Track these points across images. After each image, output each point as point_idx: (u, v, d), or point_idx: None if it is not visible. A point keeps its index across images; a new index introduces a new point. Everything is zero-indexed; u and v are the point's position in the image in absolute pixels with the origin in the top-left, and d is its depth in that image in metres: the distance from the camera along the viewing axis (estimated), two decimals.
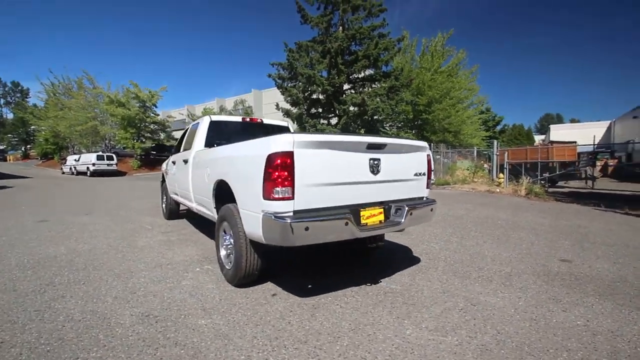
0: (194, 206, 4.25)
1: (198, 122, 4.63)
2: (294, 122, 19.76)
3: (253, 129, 4.95)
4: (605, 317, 2.47)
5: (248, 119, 4.78)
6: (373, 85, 19.30)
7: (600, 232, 5.40)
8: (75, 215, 6.76)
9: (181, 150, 5.13)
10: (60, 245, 4.40)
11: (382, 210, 2.73)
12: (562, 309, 2.62)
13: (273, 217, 2.19)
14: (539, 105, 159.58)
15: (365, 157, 2.57)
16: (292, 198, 2.21)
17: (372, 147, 2.58)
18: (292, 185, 2.20)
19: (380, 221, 2.71)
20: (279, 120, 5.14)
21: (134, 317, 2.40)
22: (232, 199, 2.94)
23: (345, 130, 18.43)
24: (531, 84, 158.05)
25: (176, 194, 5.35)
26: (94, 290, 2.91)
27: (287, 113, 19.60)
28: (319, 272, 3.41)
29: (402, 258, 3.91)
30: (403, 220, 2.74)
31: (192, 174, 4.17)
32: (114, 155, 23.71)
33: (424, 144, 3.11)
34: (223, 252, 3.20)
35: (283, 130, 5.11)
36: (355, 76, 19.65)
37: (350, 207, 2.53)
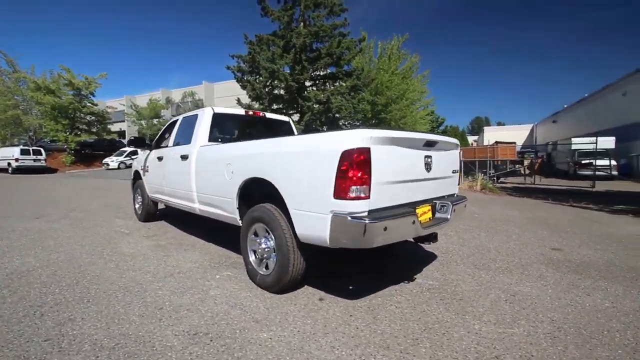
0: (197, 207, 3.83)
1: (195, 114, 4.19)
2: None
3: (257, 123, 4.64)
4: (624, 299, 2.77)
5: (251, 113, 4.45)
6: (335, 84, 19.49)
7: (564, 222, 6.11)
8: (22, 220, 5.68)
9: (170, 144, 4.59)
10: (27, 257, 3.65)
11: (430, 207, 2.73)
12: (585, 293, 2.88)
13: (349, 218, 2.04)
14: (471, 108, 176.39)
15: (422, 155, 2.54)
16: (368, 197, 2.09)
17: (428, 144, 2.56)
18: (369, 184, 2.08)
19: (430, 218, 2.71)
20: (281, 116, 4.87)
21: (182, 337, 2.07)
22: (271, 198, 2.71)
23: (308, 127, 18.36)
24: (464, 89, 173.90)
25: (161, 194, 4.78)
26: (107, 308, 2.46)
27: (248, 108, 18.86)
28: (349, 272, 3.31)
29: (417, 255, 3.99)
30: (449, 216, 2.77)
31: (196, 172, 3.75)
32: (42, 150, 20.58)
33: (457, 141, 3.19)
34: (253, 257, 2.93)
35: (286, 125, 4.87)
36: (317, 73, 19.67)
37: (408, 205, 2.48)
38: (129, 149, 25.90)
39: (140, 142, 5.16)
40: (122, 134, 41.63)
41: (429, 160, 2.62)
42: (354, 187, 2.04)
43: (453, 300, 2.68)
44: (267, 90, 18.57)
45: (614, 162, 16.17)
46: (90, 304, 2.52)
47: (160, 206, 5.54)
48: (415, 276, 3.21)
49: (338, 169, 2.07)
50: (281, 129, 4.80)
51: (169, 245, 4.20)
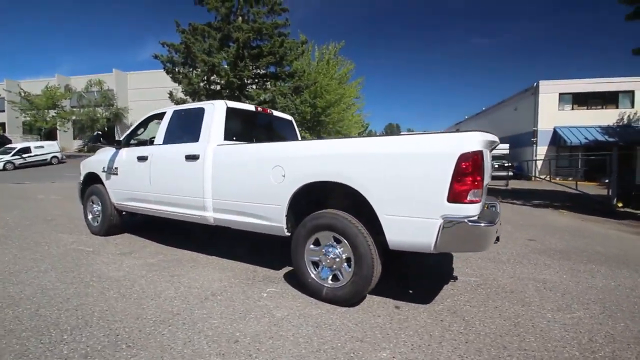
0: (211, 216, 3.29)
1: (199, 108, 3.59)
2: None
3: (266, 121, 4.23)
4: (620, 278, 3.36)
5: (260, 109, 4.02)
6: (277, 84, 19.11)
7: (516, 217, 7.13)
8: None
9: (159, 142, 3.85)
10: None
11: (487, 207, 2.87)
12: (589, 275, 3.40)
13: (468, 222, 2.00)
14: (384, 115, 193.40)
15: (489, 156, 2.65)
16: (480, 201, 2.08)
17: (492, 146, 2.68)
18: (482, 187, 2.07)
19: None
20: (284, 114, 4.52)
21: None
22: (335, 204, 2.52)
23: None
24: (376, 96, 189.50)
25: (141, 202, 3.97)
26: (166, 352, 1.91)
27: (183, 103, 17.10)
28: (388, 275, 3.26)
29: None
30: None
31: (213, 175, 3.22)
32: None
33: None
34: (313, 270, 2.65)
35: (290, 124, 4.55)
36: (258, 72, 19.00)
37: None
38: (18, 146, 20.98)
39: (109, 138, 4.20)
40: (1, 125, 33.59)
41: (492, 162, 2.75)
42: (471, 191, 2.01)
43: (508, 294, 2.87)
44: (204, 85, 17.15)
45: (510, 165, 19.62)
46: (136, 350, 1.93)
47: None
48: (454, 275, 3.34)
49: (455, 172, 2.01)
50: (287, 128, 4.47)
51: (164, 263, 3.51)
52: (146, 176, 3.82)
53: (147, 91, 32.97)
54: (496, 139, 2.50)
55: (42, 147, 22.44)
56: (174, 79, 17.46)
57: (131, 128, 4.34)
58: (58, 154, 23.05)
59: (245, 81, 17.69)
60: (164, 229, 4.96)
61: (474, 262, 3.73)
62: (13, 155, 20.03)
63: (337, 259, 2.52)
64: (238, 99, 17.57)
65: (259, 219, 2.95)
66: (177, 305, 2.51)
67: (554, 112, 20.63)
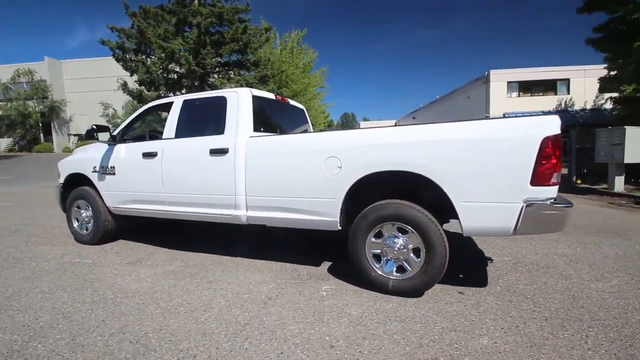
0: (244, 214, 3.03)
1: (220, 96, 3.25)
2: None
3: (285, 110, 3.98)
4: (622, 247, 3.74)
5: (280, 98, 3.75)
6: (241, 72, 18.25)
7: None
8: None
9: (169, 135, 3.43)
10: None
11: None
12: (597, 247, 3.74)
13: (552, 204, 2.05)
14: (339, 105, 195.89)
15: None
16: (558, 183, 2.13)
17: None
18: (560, 169, 2.13)
19: None
20: (296, 102, 4.28)
21: None
22: (391, 194, 2.48)
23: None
24: (339, 87, 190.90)
25: (151, 204, 3.54)
26: None
27: (138, 96, 15.63)
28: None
29: None
30: None
31: (248, 169, 2.95)
32: None
33: None
34: (375, 263, 2.56)
35: (303, 112, 4.34)
36: (220, 60, 17.96)
37: None
38: None
39: (103, 130, 3.64)
40: None
41: None
42: (554, 173, 2.06)
43: (545, 270, 3.04)
44: (161, 74, 15.81)
45: None
46: None
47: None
48: (486, 255, 3.47)
49: (539, 155, 2.03)
50: (302, 117, 4.26)
51: (188, 269, 3.19)
52: (156, 175, 3.40)
53: (87, 81, 29.67)
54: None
55: None
56: (126, 67, 15.85)
57: (126, 121, 3.81)
58: None
59: (209, 69, 16.62)
60: (156, 231, 4.52)
61: (493, 242, 3.91)
62: None
63: (404, 250, 2.46)
64: (201, 89, 16.51)
65: (306, 214, 2.77)
66: (239, 314, 2.28)
67: (503, 99, 22.42)
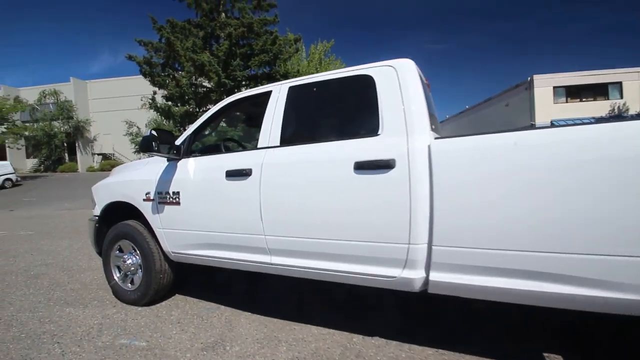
0: (422, 276, 1.69)
1: (357, 75, 1.99)
2: (176, 124, 15.25)
3: (431, 100, 2.69)
4: None
5: (427, 81, 2.48)
6: None
7: None
8: None
9: (279, 143, 2.16)
10: None
11: None
12: None
13: None
14: None
15: None
16: None
17: None
18: None
19: None
20: None
21: None
22: None
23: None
24: None
25: (234, 250, 2.26)
26: None
27: (167, 112, 14.86)
28: None
29: None
30: None
31: (444, 194, 1.61)
32: None
33: None
34: None
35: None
36: (249, 73, 17.19)
37: None
38: None
39: (168, 140, 2.42)
40: None
41: None
42: None
43: None
44: (193, 89, 15.07)
45: None
46: None
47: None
48: None
49: None
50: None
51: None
52: (251, 205, 2.11)
53: (111, 101, 29.67)
54: None
55: None
56: (154, 82, 15.20)
57: (195, 124, 2.58)
58: (12, 176, 19.50)
59: (239, 82, 15.80)
60: (216, 279, 3.22)
61: None
62: None
63: None
64: None
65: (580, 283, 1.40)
66: None
67: (550, 105, 20.68)
